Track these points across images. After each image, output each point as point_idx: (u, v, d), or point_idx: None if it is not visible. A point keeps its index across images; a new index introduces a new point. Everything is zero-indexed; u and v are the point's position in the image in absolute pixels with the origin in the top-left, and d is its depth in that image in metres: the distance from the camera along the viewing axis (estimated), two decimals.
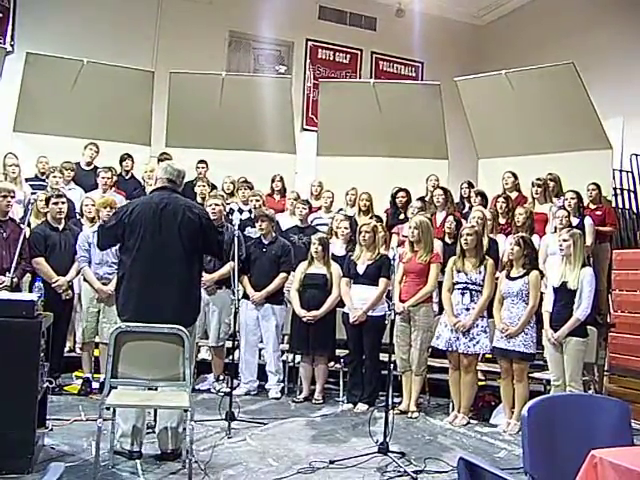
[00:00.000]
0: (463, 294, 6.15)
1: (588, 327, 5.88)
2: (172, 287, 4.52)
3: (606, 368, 7.06)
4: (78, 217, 7.16)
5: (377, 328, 6.45)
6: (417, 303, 6.28)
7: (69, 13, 11.13)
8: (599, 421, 2.83)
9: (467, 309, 6.10)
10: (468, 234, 6.19)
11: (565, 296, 5.76)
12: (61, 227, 6.51)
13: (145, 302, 4.47)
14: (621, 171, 10.09)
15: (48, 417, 4.84)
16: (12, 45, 10.86)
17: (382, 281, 6.46)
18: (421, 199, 8.31)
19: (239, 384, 6.82)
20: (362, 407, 6.42)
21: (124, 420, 4.52)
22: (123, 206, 4.89)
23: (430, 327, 6.34)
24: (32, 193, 7.42)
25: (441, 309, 6.54)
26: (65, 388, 6.45)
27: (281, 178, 9.05)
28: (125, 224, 4.57)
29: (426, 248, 6.39)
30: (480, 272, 6.12)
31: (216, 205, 6.81)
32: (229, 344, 6.77)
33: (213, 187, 8.43)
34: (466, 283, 6.14)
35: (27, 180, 8.12)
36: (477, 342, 6.03)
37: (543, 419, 2.76)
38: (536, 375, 6.34)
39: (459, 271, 6.19)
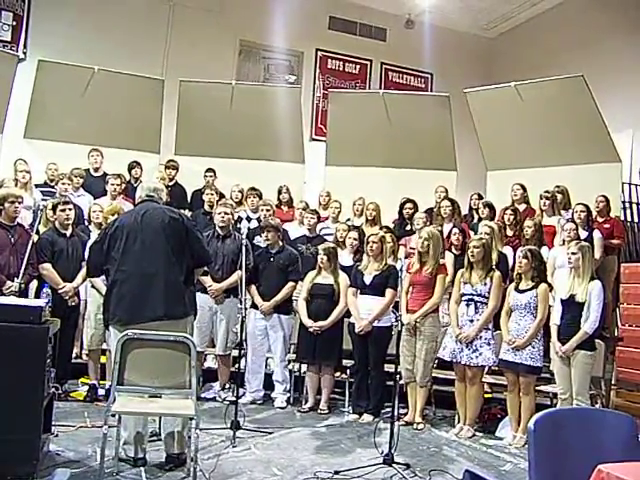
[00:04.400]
0: (468, 305, 6.14)
1: (596, 341, 5.86)
2: (158, 284, 4.57)
3: (613, 382, 7.03)
4: (86, 224, 7.19)
5: (383, 339, 6.43)
6: (425, 314, 6.28)
7: (81, 21, 11.21)
8: (606, 435, 2.81)
9: (471, 320, 6.09)
10: (475, 246, 6.18)
11: (573, 309, 5.75)
12: (68, 233, 6.53)
13: (134, 302, 4.54)
14: (630, 184, 10.06)
15: (54, 423, 4.84)
16: (25, 52, 10.95)
17: (389, 292, 6.45)
18: (427, 211, 8.31)
19: (245, 393, 6.82)
20: (367, 418, 6.41)
21: (124, 428, 4.53)
22: (109, 222, 5.02)
23: (435, 338, 6.32)
24: (42, 199, 7.45)
25: None
26: (71, 394, 6.45)
27: (287, 190, 9.06)
28: (109, 236, 4.68)
29: (433, 260, 6.38)
30: (486, 284, 6.11)
31: (225, 214, 6.84)
32: (235, 352, 6.77)
33: (221, 196, 8.45)
34: (471, 295, 6.13)
35: (37, 186, 8.16)
36: (480, 354, 6.02)
37: (550, 433, 2.74)
38: (543, 388, 6.31)
39: (465, 283, 6.19)
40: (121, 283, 4.60)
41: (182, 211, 5.05)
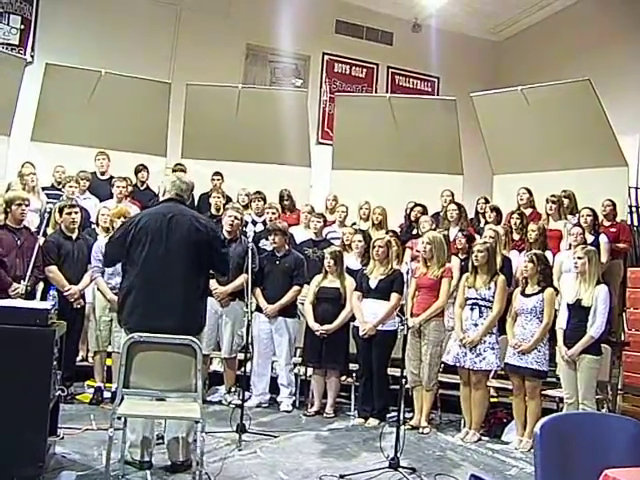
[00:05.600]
0: (472, 310, 6.13)
1: (602, 345, 5.84)
2: (177, 297, 4.52)
3: (620, 387, 7.01)
4: (93, 227, 7.20)
5: (386, 343, 6.43)
6: (428, 317, 6.28)
7: (88, 25, 11.24)
8: (613, 440, 2.80)
9: (475, 325, 6.08)
10: (479, 250, 6.18)
11: (579, 313, 5.73)
12: (75, 236, 6.54)
13: (150, 312, 4.48)
14: (637, 189, 10.02)
15: (59, 425, 4.84)
16: (32, 56, 10.99)
17: (394, 296, 6.44)
18: (434, 215, 8.30)
19: (250, 396, 6.81)
20: (373, 422, 6.40)
21: (131, 431, 4.51)
22: (130, 218, 4.88)
23: (440, 341, 6.32)
24: (48, 202, 7.46)
25: None
26: (77, 397, 6.47)
27: (289, 195, 9.06)
28: (132, 235, 4.57)
29: (438, 263, 6.38)
30: (490, 288, 6.11)
31: (235, 218, 6.83)
32: (241, 356, 6.77)
33: (228, 199, 8.46)
34: (476, 299, 6.12)
35: (44, 189, 8.18)
36: (483, 358, 6.00)
37: (556, 437, 2.73)
38: (549, 392, 6.29)
39: (470, 287, 6.18)
40: (139, 290, 4.54)
41: (207, 220, 4.96)
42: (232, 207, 7.21)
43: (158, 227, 4.56)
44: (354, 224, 8.56)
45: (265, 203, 8.36)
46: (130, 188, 8.32)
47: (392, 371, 6.50)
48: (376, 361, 6.45)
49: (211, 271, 4.99)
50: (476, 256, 6.17)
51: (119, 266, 6.19)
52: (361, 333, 6.44)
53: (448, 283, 6.39)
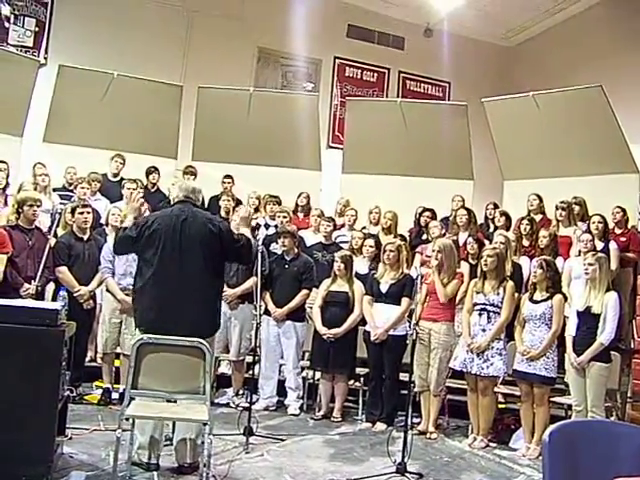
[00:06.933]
0: (480, 315, 6.11)
1: (611, 352, 5.82)
2: (191, 299, 4.54)
3: (629, 394, 6.96)
4: (104, 227, 7.23)
5: (398, 347, 6.41)
6: (438, 320, 6.26)
7: (101, 28, 11.28)
8: (622, 449, 2.78)
9: (483, 330, 6.06)
10: (489, 255, 6.16)
11: (589, 320, 5.71)
12: (86, 237, 6.57)
13: (164, 314, 4.50)
14: None
15: (68, 426, 4.86)
16: (46, 58, 11.04)
17: (404, 301, 6.44)
18: (443, 220, 8.28)
19: (258, 399, 6.81)
20: (381, 426, 6.39)
21: (141, 432, 4.53)
22: (144, 218, 4.90)
23: (450, 346, 6.30)
24: (60, 203, 7.50)
25: None
26: (85, 397, 6.49)
27: (307, 196, 9.06)
28: (145, 237, 4.61)
29: (450, 269, 6.36)
30: (499, 294, 6.09)
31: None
32: (249, 359, 6.78)
33: (238, 202, 8.47)
34: (484, 304, 6.10)
35: (55, 190, 8.22)
36: (491, 364, 5.98)
37: (564, 445, 2.72)
38: (557, 400, 6.27)
39: (478, 292, 6.16)
40: (152, 291, 4.57)
41: (220, 220, 4.98)
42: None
43: (171, 229, 4.59)
44: (364, 228, 8.55)
45: (279, 206, 8.35)
46: (141, 190, 8.34)
47: (401, 376, 6.49)
48: (388, 366, 6.45)
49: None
50: (485, 261, 6.15)
51: (129, 267, 6.32)
52: (372, 338, 6.43)
53: (457, 284, 6.37)
